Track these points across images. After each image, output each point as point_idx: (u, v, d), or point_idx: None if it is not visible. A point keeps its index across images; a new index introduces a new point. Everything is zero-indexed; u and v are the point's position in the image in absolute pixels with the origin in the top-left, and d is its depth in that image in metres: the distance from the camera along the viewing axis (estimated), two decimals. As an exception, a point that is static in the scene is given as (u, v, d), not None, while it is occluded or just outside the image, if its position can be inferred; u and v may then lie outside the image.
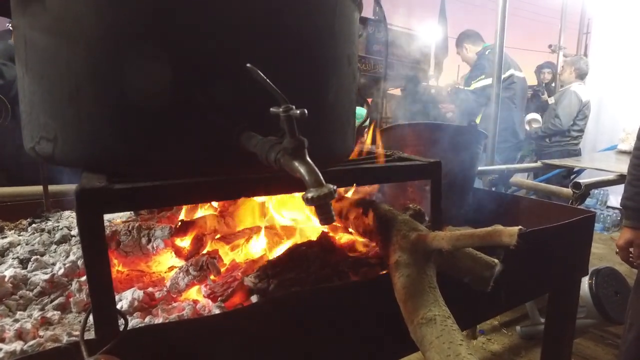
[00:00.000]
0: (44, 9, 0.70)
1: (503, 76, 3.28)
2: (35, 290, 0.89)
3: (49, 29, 0.71)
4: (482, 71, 3.39)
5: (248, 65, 0.58)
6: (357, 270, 0.97)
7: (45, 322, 0.77)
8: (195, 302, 0.89)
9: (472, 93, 3.41)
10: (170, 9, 0.68)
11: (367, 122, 1.32)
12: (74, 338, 0.71)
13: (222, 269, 0.98)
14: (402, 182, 1.44)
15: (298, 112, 0.54)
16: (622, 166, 2.36)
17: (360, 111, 2.70)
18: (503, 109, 3.08)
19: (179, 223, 1.09)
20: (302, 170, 0.55)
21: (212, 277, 0.94)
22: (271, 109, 0.57)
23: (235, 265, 1.01)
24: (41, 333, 0.72)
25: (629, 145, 2.77)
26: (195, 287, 0.93)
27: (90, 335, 0.63)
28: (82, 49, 0.68)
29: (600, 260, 3.93)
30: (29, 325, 0.72)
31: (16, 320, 0.76)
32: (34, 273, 0.95)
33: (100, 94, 0.69)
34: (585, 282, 2.09)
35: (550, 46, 5.25)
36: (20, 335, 0.70)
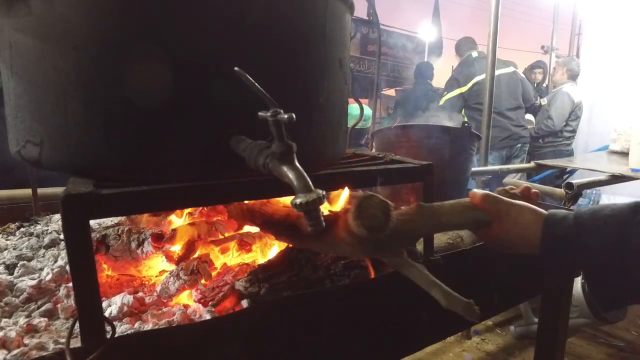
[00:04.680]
0: (29, 11, 0.69)
1: (469, 85, 3.28)
2: (21, 297, 0.87)
3: (34, 31, 0.69)
4: (456, 82, 3.35)
5: (236, 68, 0.57)
6: (349, 273, 0.97)
7: (32, 330, 0.76)
8: (185, 306, 0.88)
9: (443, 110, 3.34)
10: (159, 13, 0.67)
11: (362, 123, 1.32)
12: (60, 346, 0.70)
13: (213, 273, 0.97)
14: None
15: (286, 116, 0.53)
16: (614, 166, 2.38)
17: (353, 110, 2.70)
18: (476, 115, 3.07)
19: (165, 232, 1.07)
20: (290, 175, 0.54)
21: (202, 281, 0.93)
22: (259, 113, 0.56)
23: (226, 269, 1.00)
24: (26, 341, 0.70)
25: (620, 145, 2.79)
26: (186, 292, 0.92)
27: (77, 342, 0.62)
28: (68, 52, 0.67)
29: (593, 260, 3.95)
30: (13, 334, 0.70)
31: (1, 328, 0.75)
32: (20, 279, 0.93)
33: (87, 98, 0.68)
34: (578, 281, 2.09)
35: (542, 47, 5.29)
36: (4, 344, 0.68)
